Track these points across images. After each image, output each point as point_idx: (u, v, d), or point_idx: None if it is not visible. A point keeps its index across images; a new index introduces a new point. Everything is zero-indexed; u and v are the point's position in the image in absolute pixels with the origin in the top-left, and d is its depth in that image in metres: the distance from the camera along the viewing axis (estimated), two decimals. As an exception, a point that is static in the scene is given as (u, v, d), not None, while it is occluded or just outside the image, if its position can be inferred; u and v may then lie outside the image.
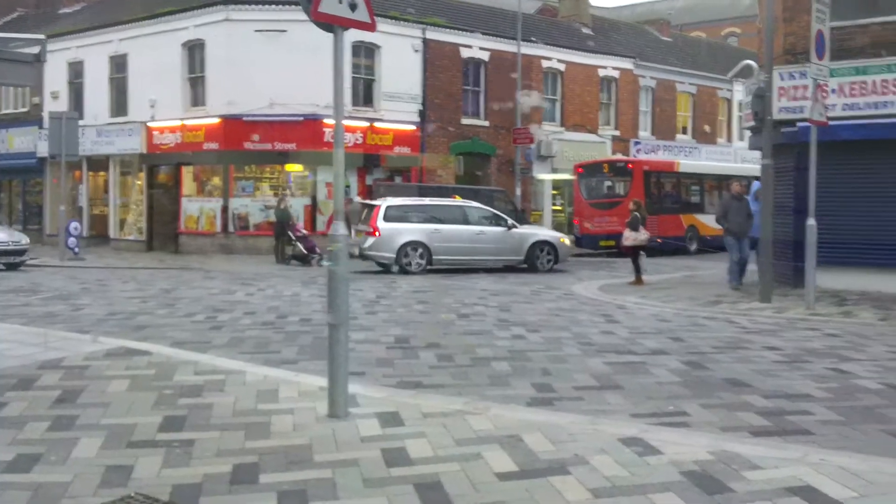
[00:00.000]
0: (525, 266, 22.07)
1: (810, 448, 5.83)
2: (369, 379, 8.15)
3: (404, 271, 20.81)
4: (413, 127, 29.91)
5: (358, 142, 27.82)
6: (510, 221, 22.55)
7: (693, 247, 29.77)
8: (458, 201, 23.37)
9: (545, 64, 34.18)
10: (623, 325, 12.17)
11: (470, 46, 31.70)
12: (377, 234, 20.91)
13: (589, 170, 30.77)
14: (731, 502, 4.70)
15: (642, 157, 34.89)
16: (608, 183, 30.67)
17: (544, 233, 23.52)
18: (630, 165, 30.50)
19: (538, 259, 22.08)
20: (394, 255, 20.92)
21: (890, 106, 15.81)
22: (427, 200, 23.05)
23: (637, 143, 37.33)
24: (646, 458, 5.46)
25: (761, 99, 15.26)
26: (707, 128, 41.00)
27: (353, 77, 28.14)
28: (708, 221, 29.60)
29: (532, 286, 17.98)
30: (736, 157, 38.37)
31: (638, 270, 18.40)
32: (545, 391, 7.81)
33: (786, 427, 6.60)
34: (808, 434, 6.40)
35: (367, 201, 22.58)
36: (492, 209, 23.04)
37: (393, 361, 9.23)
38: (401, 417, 6.36)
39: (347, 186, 26.45)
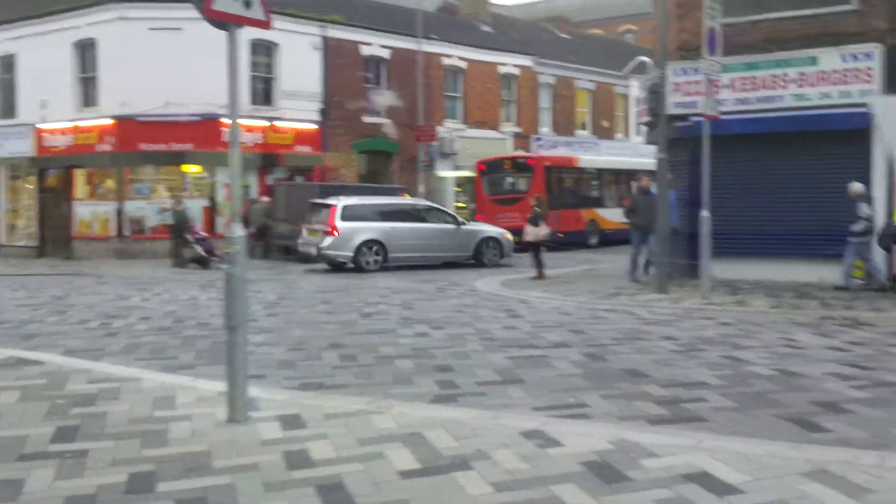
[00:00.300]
0: (473, 262, 22.45)
1: (706, 434, 5.97)
2: (270, 381, 8.03)
3: (360, 269, 20.81)
4: (314, 126, 29.66)
5: (258, 141, 27.46)
6: (460, 219, 22.89)
7: (594, 241, 30.26)
8: (408, 200, 23.87)
9: (446, 61, 34.30)
10: (525, 320, 12.29)
11: (370, 44, 31.58)
12: (336, 233, 20.87)
13: (491, 166, 31.01)
14: (630, 490, 4.77)
15: (543, 153, 35.27)
16: (510, 179, 30.96)
17: (490, 229, 23.81)
18: (531, 161, 30.86)
19: (485, 255, 22.57)
20: (351, 254, 20.96)
21: (779, 100, 16.36)
22: (381, 199, 23.25)
23: (538, 139, 37.77)
24: (547, 450, 5.51)
25: (656, 94, 15.59)
26: (605, 123, 41.75)
27: (252, 76, 27.74)
28: (608, 215, 30.22)
29: (436, 283, 18.01)
30: (634, 151, 39.10)
31: (540, 265, 18.60)
32: (448, 388, 7.82)
33: (682, 415, 6.75)
34: (703, 421, 6.55)
35: (321, 201, 22.32)
36: (443, 207, 23.33)
37: (294, 363, 9.13)
38: (302, 419, 6.29)
39: (246, 187, 26.09)
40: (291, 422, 6.22)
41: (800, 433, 6.19)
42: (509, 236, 23.47)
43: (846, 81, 15.83)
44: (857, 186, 14.84)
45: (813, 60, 16.12)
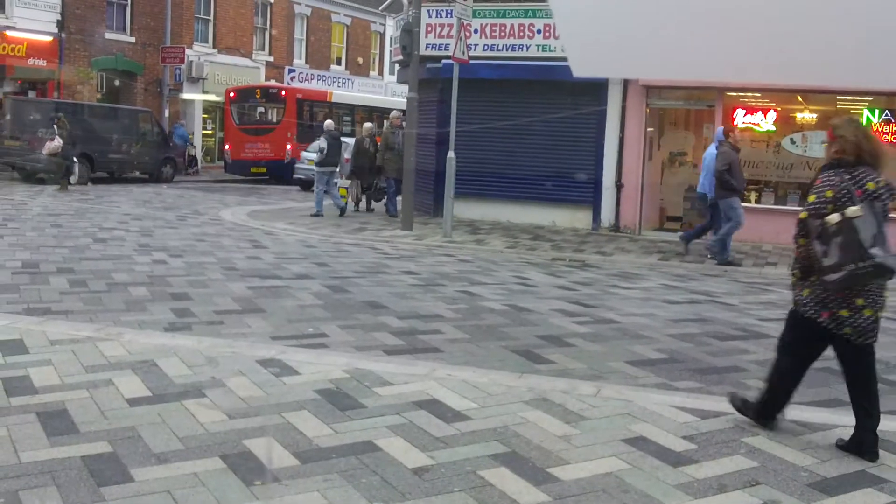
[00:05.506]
0: None
1: (438, 364, 6.20)
2: (-10, 305, 7.53)
3: None
4: (50, 38, 27.59)
5: (-14, 51, 25.25)
6: None
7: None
8: None
9: (197, -18, 32.86)
10: (269, 251, 12.17)
11: (115, -43, 29.69)
12: None
13: (241, 95, 30.17)
14: (363, 417, 4.89)
15: (296, 85, 34.76)
16: (261, 109, 30.29)
17: None
18: (283, 93, 30.28)
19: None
20: None
21: (524, 49, 16.92)
22: None
23: (291, 70, 37.11)
24: (283, 378, 5.53)
25: (409, 34, 15.70)
26: (360, 60, 41.63)
27: (-18, -20, 25.39)
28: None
29: (178, 211, 17.44)
30: (386, 90, 39.35)
31: (67, 174, 20.63)
32: (185, 316, 7.63)
33: (417, 345, 6.96)
34: (437, 351, 6.79)
35: None
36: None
37: (19, 287, 8.57)
38: (25, 345, 5.98)
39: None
40: (13, 347, 5.89)
41: (525, 364, 6.55)
42: None
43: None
44: (327, 123, 18.21)
45: (559, 13, 16.75)
